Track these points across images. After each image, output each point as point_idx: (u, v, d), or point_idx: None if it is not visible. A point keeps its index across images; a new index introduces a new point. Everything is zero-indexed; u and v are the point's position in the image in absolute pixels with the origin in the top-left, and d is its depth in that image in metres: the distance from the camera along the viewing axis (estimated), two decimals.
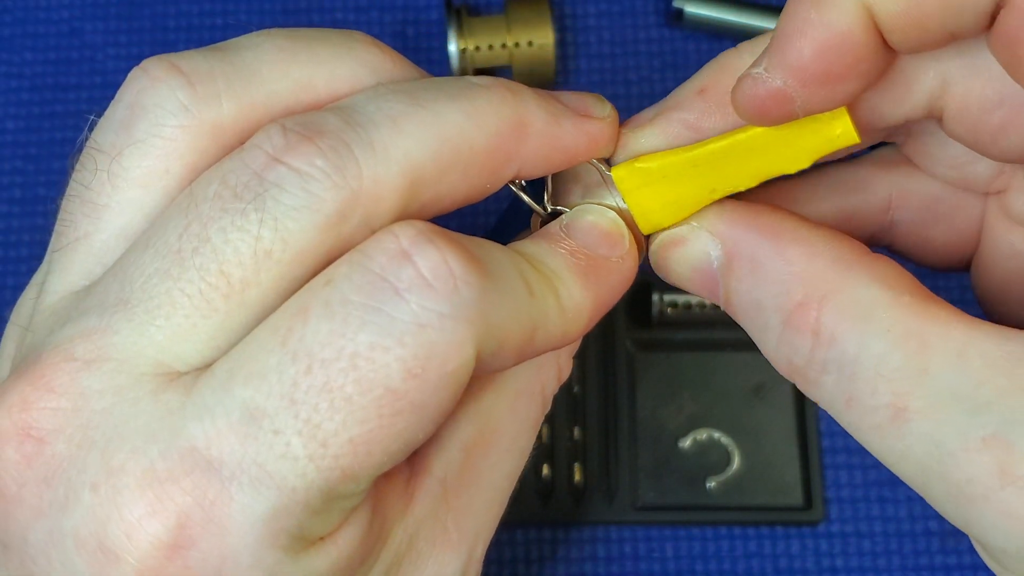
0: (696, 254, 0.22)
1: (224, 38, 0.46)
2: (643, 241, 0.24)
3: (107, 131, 0.23)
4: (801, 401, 0.39)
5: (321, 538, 0.20)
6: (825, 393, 0.20)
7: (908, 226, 0.26)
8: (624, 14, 0.44)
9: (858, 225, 0.25)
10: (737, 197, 0.23)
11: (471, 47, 0.41)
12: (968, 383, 0.18)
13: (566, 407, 0.38)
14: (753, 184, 0.23)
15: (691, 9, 0.42)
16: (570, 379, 0.38)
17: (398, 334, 0.18)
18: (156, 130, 0.22)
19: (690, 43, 0.44)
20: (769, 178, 0.23)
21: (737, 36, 0.43)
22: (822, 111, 0.21)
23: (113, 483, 0.19)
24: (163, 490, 0.18)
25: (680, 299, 0.38)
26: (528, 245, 0.22)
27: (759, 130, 0.22)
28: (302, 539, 0.19)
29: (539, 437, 0.38)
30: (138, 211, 0.22)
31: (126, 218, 0.22)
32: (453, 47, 0.41)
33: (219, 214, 0.20)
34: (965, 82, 0.21)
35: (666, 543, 0.38)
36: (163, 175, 0.22)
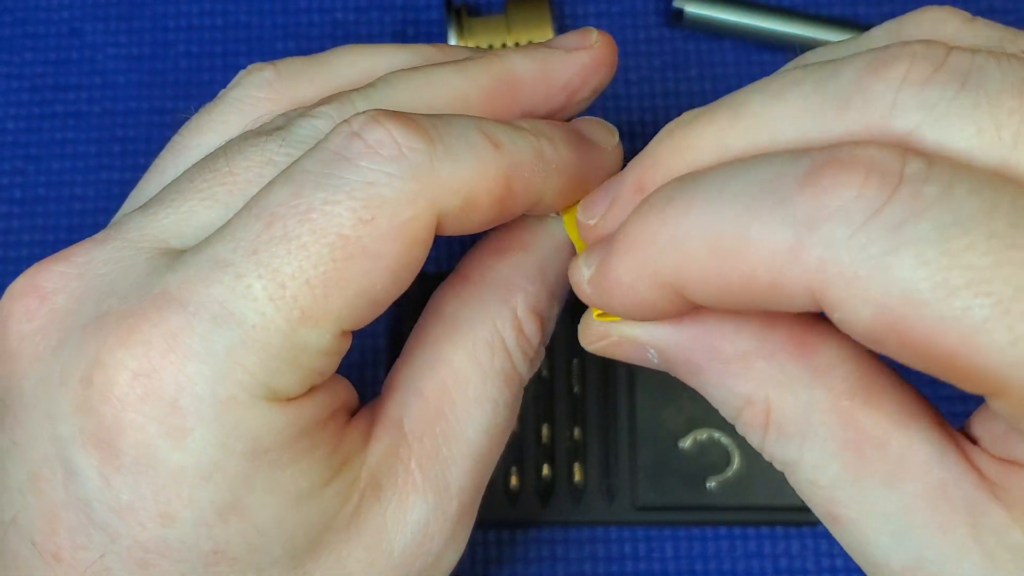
0: (635, 356, 0.23)
1: (224, 38, 0.46)
2: None
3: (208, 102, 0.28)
4: None
5: (286, 400, 0.21)
6: (781, 469, 0.21)
7: None
8: (624, 14, 0.44)
9: None
10: None
11: (471, 47, 0.41)
12: (897, 506, 0.19)
13: (566, 407, 0.38)
14: None
15: (691, 9, 0.42)
16: (570, 379, 0.38)
17: (348, 189, 0.21)
18: (241, 94, 0.27)
19: (690, 43, 0.44)
20: None
21: (737, 36, 0.43)
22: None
23: (99, 324, 0.21)
24: (135, 323, 0.20)
25: None
26: (521, 120, 0.24)
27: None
28: (263, 387, 0.20)
29: (539, 437, 0.38)
30: (207, 151, 0.26)
31: (197, 156, 0.26)
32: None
33: (244, 139, 0.24)
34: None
35: (666, 543, 0.38)
36: (237, 128, 0.26)
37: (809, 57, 0.22)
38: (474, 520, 0.25)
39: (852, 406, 0.19)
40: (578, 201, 0.25)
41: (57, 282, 0.22)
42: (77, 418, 0.21)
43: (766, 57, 0.43)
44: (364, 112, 0.22)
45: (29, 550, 0.21)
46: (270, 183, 0.22)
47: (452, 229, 0.22)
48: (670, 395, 0.39)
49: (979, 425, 0.20)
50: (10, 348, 0.22)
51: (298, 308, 0.20)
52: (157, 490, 0.20)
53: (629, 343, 0.22)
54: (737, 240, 0.18)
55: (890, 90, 0.18)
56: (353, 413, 0.25)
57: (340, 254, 0.20)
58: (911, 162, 0.17)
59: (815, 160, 0.17)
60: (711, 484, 0.38)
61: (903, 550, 0.19)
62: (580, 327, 0.23)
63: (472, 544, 0.38)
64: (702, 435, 0.39)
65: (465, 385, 0.24)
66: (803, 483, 0.20)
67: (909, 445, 0.19)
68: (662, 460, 0.39)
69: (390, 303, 0.22)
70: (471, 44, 0.41)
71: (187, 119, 0.29)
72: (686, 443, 0.39)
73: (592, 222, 0.23)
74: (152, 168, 0.27)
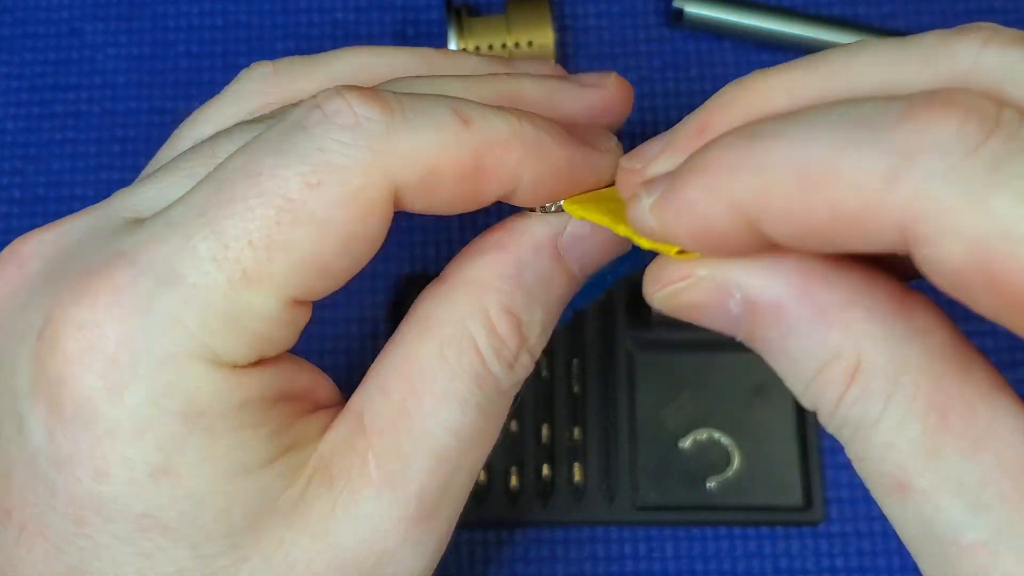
0: (712, 304, 0.21)
1: (224, 38, 0.46)
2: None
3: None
4: None
5: (230, 366, 0.21)
6: (844, 441, 0.20)
7: None
8: (624, 14, 0.44)
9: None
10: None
11: (471, 47, 0.41)
12: (975, 478, 0.18)
13: (566, 407, 0.38)
14: None
15: (691, 9, 0.42)
16: (570, 379, 0.38)
17: (299, 154, 0.21)
18: (239, 88, 0.28)
19: (690, 43, 0.44)
20: None
21: (737, 36, 0.43)
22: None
23: (58, 283, 0.21)
24: (87, 280, 0.21)
25: None
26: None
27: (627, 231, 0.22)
28: (203, 347, 0.21)
29: (539, 437, 0.38)
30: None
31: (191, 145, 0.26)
32: (453, 47, 0.41)
33: (234, 127, 0.25)
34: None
35: (666, 543, 0.38)
36: (232, 119, 0.27)
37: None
38: (445, 528, 0.24)
39: (945, 370, 0.18)
40: (577, 194, 0.24)
41: (35, 248, 0.23)
42: (30, 372, 0.21)
43: (766, 57, 0.43)
44: (328, 87, 0.22)
45: None
46: (232, 153, 0.22)
47: (418, 205, 0.22)
48: (670, 395, 0.39)
49: None
50: None
51: (240, 269, 0.20)
52: (93, 444, 0.21)
53: (712, 286, 0.20)
54: (829, 169, 0.17)
55: (973, 46, 0.18)
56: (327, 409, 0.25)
57: (285, 217, 0.20)
58: (1006, 108, 0.17)
59: (913, 99, 0.17)
60: (711, 484, 0.38)
61: (978, 524, 0.18)
62: (649, 273, 0.22)
63: (472, 544, 0.38)
64: (702, 435, 0.39)
65: (431, 382, 0.23)
66: (875, 447, 0.19)
67: (995, 417, 0.18)
68: (662, 460, 0.39)
69: (346, 276, 0.22)
70: (471, 44, 0.41)
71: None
72: (686, 443, 0.39)
73: (639, 166, 0.21)
74: (151, 161, 0.28)
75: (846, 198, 0.17)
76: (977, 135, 0.16)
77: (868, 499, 0.38)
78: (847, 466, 0.39)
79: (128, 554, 0.21)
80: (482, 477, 0.38)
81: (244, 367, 0.22)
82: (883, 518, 0.38)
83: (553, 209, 0.24)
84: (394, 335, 0.24)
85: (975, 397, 0.18)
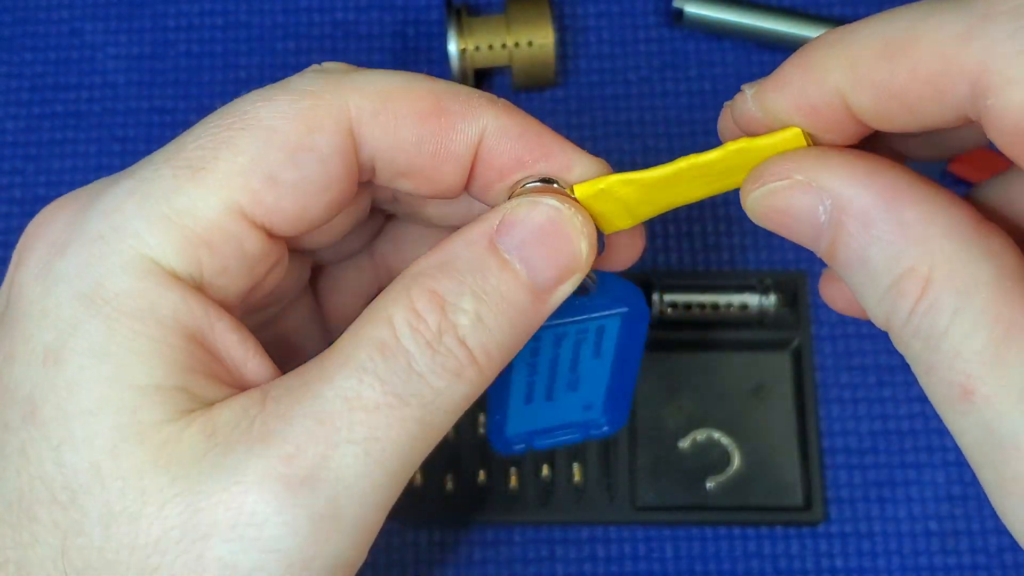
0: (803, 208, 0.22)
1: (224, 38, 0.46)
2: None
3: None
4: (801, 401, 0.39)
5: (156, 266, 0.21)
6: (912, 355, 0.21)
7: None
8: (624, 14, 0.44)
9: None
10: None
11: (471, 47, 0.41)
12: None
13: None
14: (705, 196, 0.24)
15: (691, 9, 0.42)
16: None
17: (265, 89, 0.22)
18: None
19: (690, 43, 0.44)
20: (722, 192, 0.23)
21: (737, 36, 0.43)
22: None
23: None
24: (77, 191, 0.23)
25: (680, 299, 0.38)
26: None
27: (714, 154, 0.22)
28: (135, 237, 0.21)
29: None
30: None
31: None
32: (453, 47, 0.41)
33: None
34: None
35: (666, 543, 0.38)
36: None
37: None
38: (326, 509, 0.21)
39: (1013, 288, 0.20)
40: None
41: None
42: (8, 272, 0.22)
43: (766, 57, 0.43)
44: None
45: None
46: None
47: (378, 136, 0.23)
48: (670, 395, 0.39)
49: None
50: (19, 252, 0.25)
51: (188, 167, 0.21)
52: (13, 325, 0.21)
53: (807, 189, 0.21)
54: (909, 34, 0.20)
55: None
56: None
57: (236, 123, 0.22)
58: None
59: None
60: (710, 485, 0.38)
61: None
62: (749, 176, 0.22)
63: (472, 544, 0.38)
64: (702, 435, 0.39)
65: (336, 353, 0.21)
66: (943, 356, 0.20)
67: None
68: (662, 460, 0.39)
69: (304, 202, 0.22)
70: (471, 44, 0.41)
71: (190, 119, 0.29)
72: (686, 443, 0.39)
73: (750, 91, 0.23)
74: None
75: (923, 56, 0.19)
76: None
77: (868, 499, 0.38)
78: (847, 466, 0.39)
79: (13, 447, 0.21)
80: (482, 477, 0.38)
81: (175, 279, 0.21)
82: (883, 518, 0.38)
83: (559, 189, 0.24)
84: None
85: None
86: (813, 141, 0.22)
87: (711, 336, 0.39)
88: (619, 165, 0.41)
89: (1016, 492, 0.19)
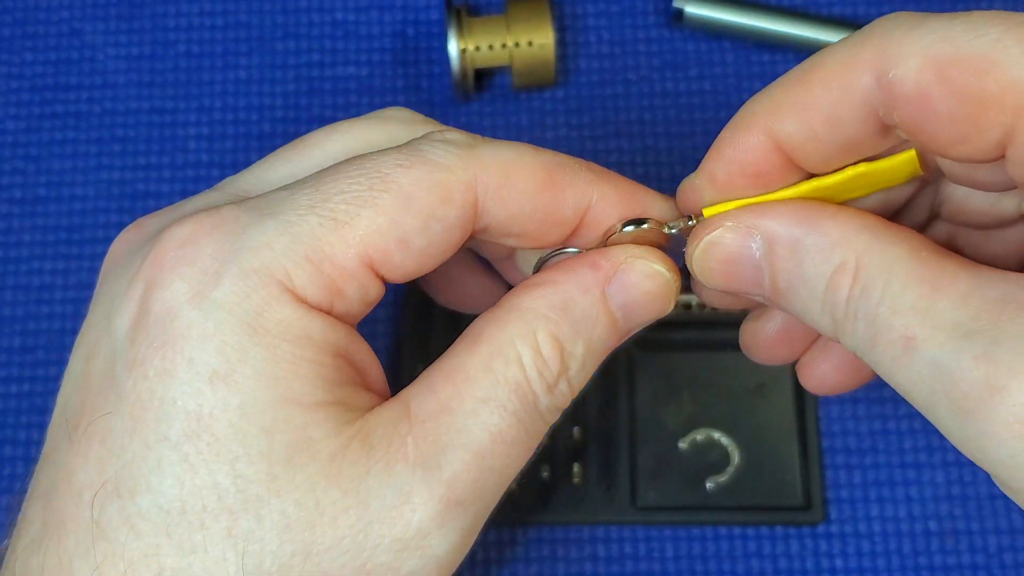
0: (738, 249, 0.25)
1: (224, 38, 0.46)
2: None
3: None
4: (801, 401, 0.39)
5: (300, 299, 0.23)
6: (857, 339, 0.23)
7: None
8: (624, 14, 0.44)
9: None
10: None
11: (471, 47, 0.41)
12: (967, 316, 0.21)
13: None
14: None
15: (691, 9, 0.42)
16: None
17: (399, 150, 0.25)
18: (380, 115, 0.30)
19: (690, 43, 0.44)
20: None
21: (737, 36, 0.43)
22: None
23: (175, 218, 0.25)
24: (194, 214, 0.25)
25: (680, 299, 0.38)
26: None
27: (836, 178, 0.25)
28: (282, 271, 0.23)
29: None
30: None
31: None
32: (453, 47, 0.41)
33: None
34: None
35: (666, 543, 0.38)
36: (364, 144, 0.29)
37: None
38: (472, 524, 0.25)
39: (928, 256, 0.23)
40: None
41: (155, 219, 0.27)
42: (130, 287, 0.24)
43: (766, 57, 0.43)
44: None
45: (63, 429, 0.24)
46: None
47: (498, 208, 0.25)
48: (670, 395, 0.39)
49: None
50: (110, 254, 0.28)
51: (331, 217, 0.24)
52: (165, 344, 0.23)
53: (736, 233, 0.25)
54: (818, 57, 0.23)
55: None
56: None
57: (377, 184, 0.24)
58: None
59: None
60: (711, 484, 0.38)
61: (973, 345, 0.21)
62: (691, 239, 0.26)
63: (472, 544, 0.38)
64: (702, 435, 0.39)
65: (475, 386, 0.25)
66: (882, 321, 0.22)
67: (977, 274, 0.22)
68: (662, 460, 0.39)
69: (421, 262, 0.25)
70: (471, 44, 0.41)
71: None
72: (686, 443, 0.39)
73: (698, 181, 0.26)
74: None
75: (831, 64, 0.23)
76: None
77: (868, 499, 0.38)
78: (847, 466, 0.39)
79: (172, 460, 0.22)
80: None
81: (315, 309, 0.24)
82: (883, 518, 0.38)
83: (676, 230, 0.27)
84: (447, 351, 0.26)
85: (958, 269, 0.22)
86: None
87: (711, 336, 0.39)
88: (619, 165, 0.42)
89: (969, 409, 0.21)
